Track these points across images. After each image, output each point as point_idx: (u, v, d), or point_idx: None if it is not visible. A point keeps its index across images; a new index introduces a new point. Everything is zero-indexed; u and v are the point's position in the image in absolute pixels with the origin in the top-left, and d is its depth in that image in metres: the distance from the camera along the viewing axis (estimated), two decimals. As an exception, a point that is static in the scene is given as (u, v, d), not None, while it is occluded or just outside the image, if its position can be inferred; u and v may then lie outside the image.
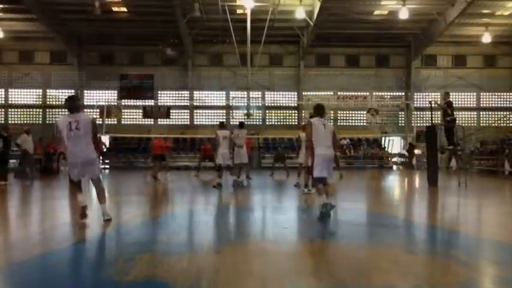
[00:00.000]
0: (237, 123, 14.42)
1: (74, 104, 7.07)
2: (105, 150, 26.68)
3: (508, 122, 32.57)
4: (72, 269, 4.65)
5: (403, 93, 32.70)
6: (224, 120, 19.22)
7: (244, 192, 12.36)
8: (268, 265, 4.59)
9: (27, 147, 16.51)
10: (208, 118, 32.20)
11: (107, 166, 27.93)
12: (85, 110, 30.11)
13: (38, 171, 18.68)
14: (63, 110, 31.82)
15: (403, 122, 31.27)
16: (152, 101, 32.27)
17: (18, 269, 4.41)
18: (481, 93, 32.81)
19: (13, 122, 30.27)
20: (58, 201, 10.59)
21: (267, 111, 32.08)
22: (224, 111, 32.35)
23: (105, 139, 26.37)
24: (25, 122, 30.36)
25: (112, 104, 31.31)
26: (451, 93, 15.15)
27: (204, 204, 10.21)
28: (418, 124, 27.33)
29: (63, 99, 7.16)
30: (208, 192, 12.41)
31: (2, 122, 30.68)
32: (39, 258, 4.82)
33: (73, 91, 31.50)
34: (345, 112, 32.99)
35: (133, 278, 4.00)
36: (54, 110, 32.36)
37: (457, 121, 14.52)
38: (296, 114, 32.78)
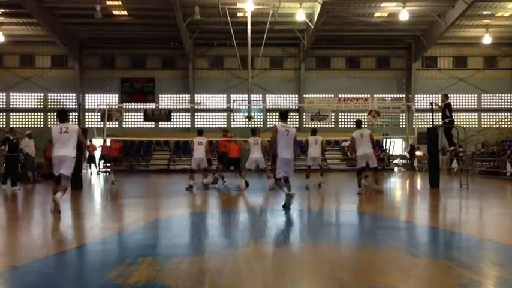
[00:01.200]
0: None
1: (64, 116, 8.73)
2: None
3: (509, 123, 32.55)
4: (75, 272, 4.64)
5: (404, 95, 32.70)
6: (202, 127, 19.89)
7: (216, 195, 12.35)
8: (270, 267, 4.59)
9: (29, 152, 16.51)
10: (209, 121, 32.22)
11: (108, 170, 27.90)
12: (86, 114, 30.22)
13: (40, 175, 18.66)
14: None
15: (404, 123, 31.25)
16: (153, 104, 32.30)
17: (21, 272, 4.41)
18: (482, 95, 32.79)
19: (14, 126, 30.26)
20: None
21: (268, 114, 32.08)
22: (225, 114, 32.39)
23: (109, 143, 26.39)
24: (26, 126, 30.41)
25: (113, 107, 31.35)
26: (451, 95, 15.23)
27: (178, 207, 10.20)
28: (419, 126, 27.30)
29: (57, 111, 9.18)
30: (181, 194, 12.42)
31: (4, 126, 30.74)
32: (41, 262, 4.82)
33: (74, 94, 31.59)
34: (345, 114, 32.99)
35: (135, 281, 4.00)
36: (55, 113, 32.33)
37: (455, 123, 14.58)
38: (297, 117, 32.76)
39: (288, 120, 9.17)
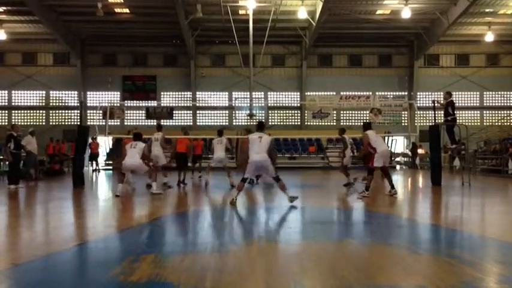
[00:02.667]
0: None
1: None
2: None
3: (511, 121, 32.47)
4: (77, 269, 4.66)
5: (406, 93, 32.66)
6: (161, 122, 20.12)
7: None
8: (271, 265, 4.59)
9: (31, 149, 16.46)
10: (211, 119, 32.24)
11: (110, 167, 27.97)
12: (88, 112, 30.26)
13: (42, 172, 18.70)
14: (66, 111, 32.01)
15: (406, 121, 31.22)
16: (155, 101, 32.31)
17: (23, 270, 4.42)
18: (484, 93, 32.74)
19: (16, 123, 30.28)
20: (62, 202, 10.61)
21: (270, 112, 32.07)
22: (227, 111, 32.40)
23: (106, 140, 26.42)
24: (29, 123, 30.46)
25: (115, 105, 31.38)
26: (454, 93, 15.18)
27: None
28: (421, 124, 27.31)
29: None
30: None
31: (6, 123, 30.80)
32: (44, 259, 4.84)
33: (76, 92, 31.63)
34: (347, 112, 32.98)
35: (137, 278, 4.01)
36: (57, 111, 32.46)
37: (457, 121, 14.54)
38: (299, 115, 32.76)
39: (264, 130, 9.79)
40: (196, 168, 17.03)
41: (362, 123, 13.42)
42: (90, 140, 25.07)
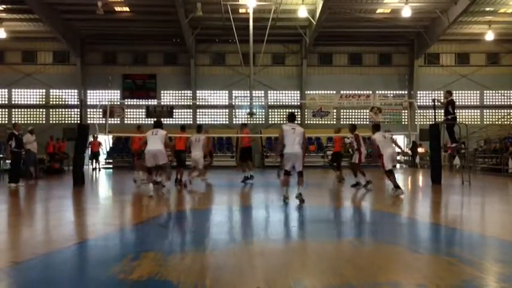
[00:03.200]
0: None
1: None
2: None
3: (511, 120, 32.46)
4: (77, 267, 4.66)
5: (406, 92, 32.64)
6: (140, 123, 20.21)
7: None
8: (271, 264, 4.60)
9: (31, 147, 16.48)
10: (211, 117, 32.23)
11: (110, 166, 28.01)
12: (88, 110, 30.26)
13: (42, 171, 18.71)
14: (66, 109, 32.05)
15: (406, 120, 31.21)
16: (155, 100, 32.29)
17: (23, 268, 4.42)
18: (485, 91, 32.70)
19: (16, 122, 30.26)
20: (62, 200, 10.62)
21: (270, 111, 32.05)
22: (227, 110, 32.39)
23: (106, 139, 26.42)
24: (28, 122, 30.45)
25: (115, 103, 31.37)
26: (454, 92, 15.18)
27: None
28: (422, 123, 27.30)
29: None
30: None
31: (6, 122, 30.80)
32: (44, 257, 4.84)
33: (76, 91, 31.62)
34: (347, 111, 32.95)
35: (137, 276, 4.01)
36: (57, 109, 32.45)
37: (457, 120, 14.56)
38: (299, 113, 32.75)
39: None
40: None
41: (371, 125, 13.47)
42: (91, 139, 25.23)
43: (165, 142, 11.00)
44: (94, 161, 25.50)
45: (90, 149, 26.26)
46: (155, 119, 12.49)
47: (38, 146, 17.09)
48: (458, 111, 14.23)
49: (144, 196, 10.67)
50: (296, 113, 32.29)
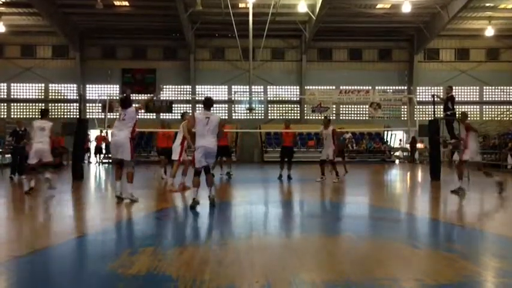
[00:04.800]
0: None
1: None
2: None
3: (510, 116, 32.48)
4: (76, 262, 4.66)
5: (406, 87, 32.61)
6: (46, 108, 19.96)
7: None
8: (270, 258, 4.60)
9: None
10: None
11: (110, 161, 27.94)
12: (87, 105, 30.23)
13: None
14: (65, 104, 31.91)
15: (405, 116, 31.20)
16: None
17: (23, 262, 4.42)
18: (484, 87, 32.68)
19: (15, 116, 30.26)
20: (61, 195, 10.61)
21: (269, 106, 32.01)
22: (226, 105, 32.35)
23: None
24: (27, 116, 30.41)
25: (114, 98, 31.30)
26: (454, 87, 15.13)
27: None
28: (421, 118, 27.29)
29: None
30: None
31: (5, 116, 30.75)
32: (43, 252, 4.84)
33: (75, 85, 31.56)
34: (347, 106, 32.94)
35: (136, 271, 4.02)
36: (56, 104, 32.39)
37: (457, 115, 14.52)
38: (298, 109, 32.73)
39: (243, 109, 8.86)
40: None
41: (461, 113, 11.79)
42: (97, 133, 25.34)
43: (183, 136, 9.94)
44: (98, 155, 25.80)
45: (95, 143, 26.49)
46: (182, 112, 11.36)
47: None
48: (457, 107, 14.19)
49: (142, 190, 10.65)
50: (295, 108, 32.57)
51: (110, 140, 9.83)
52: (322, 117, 28.78)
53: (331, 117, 19.12)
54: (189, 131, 8.18)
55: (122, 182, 8.62)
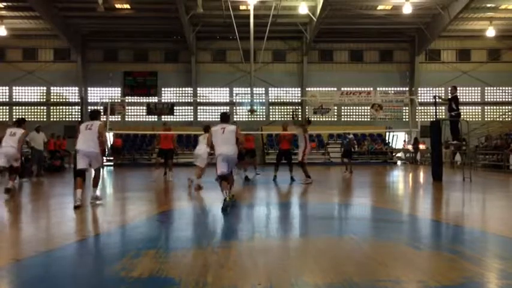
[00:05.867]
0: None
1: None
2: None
3: (512, 116, 32.46)
4: (78, 265, 4.67)
5: (407, 89, 32.60)
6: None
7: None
8: (273, 261, 4.60)
9: (35, 145, 16.59)
10: (211, 114, 32.21)
11: (111, 163, 28.00)
12: (89, 108, 30.29)
13: (45, 168, 18.73)
14: (66, 107, 32.03)
15: (407, 117, 31.17)
16: (156, 97, 32.30)
17: (25, 265, 4.43)
18: (486, 88, 32.66)
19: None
20: (64, 198, 10.62)
21: (271, 108, 32.01)
22: (228, 107, 32.36)
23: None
24: (29, 119, 30.45)
25: (116, 101, 31.38)
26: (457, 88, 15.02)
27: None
28: (423, 119, 27.26)
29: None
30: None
31: (7, 119, 30.79)
32: (45, 255, 4.85)
33: (77, 88, 31.62)
34: (348, 108, 32.95)
35: (139, 273, 4.02)
36: (58, 107, 32.46)
37: (461, 116, 14.45)
38: (300, 110, 32.73)
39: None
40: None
41: None
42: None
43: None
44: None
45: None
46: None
47: (44, 143, 17.13)
48: (460, 107, 14.10)
49: (144, 193, 10.67)
50: (297, 109, 32.55)
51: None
52: (326, 119, 28.79)
53: (311, 118, 19.06)
54: (211, 146, 8.64)
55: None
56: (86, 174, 9.03)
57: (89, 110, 10.49)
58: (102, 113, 10.58)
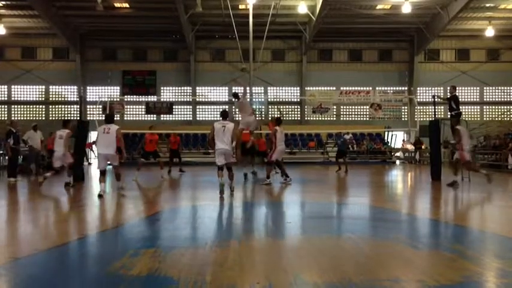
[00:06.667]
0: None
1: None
2: None
3: (511, 116, 32.45)
4: (77, 263, 4.66)
5: (406, 88, 32.60)
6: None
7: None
8: (272, 260, 4.60)
9: (33, 144, 16.57)
10: (210, 114, 32.21)
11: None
12: (88, 107, 30.28)
13: (42, 168, 18.70)
14: (65, 106, 31.93)
15: (406, 116, 31.19)
16: (155, 97, 32.28)
17: (23, 264, 4.43)
18: (484, 88, 32.67)
19: (16, 118, 30.26)
20: (61, 196, 10.62)
21: (270, 107, 32.01)
22: (227, 106, 32.34)
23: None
24: (28, 118, 30.49)
25: (115, 100, 31.34)
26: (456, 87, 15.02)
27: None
28: (421, 119, 27.27)
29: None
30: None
31: (5, 118, 30.76)
32: (44, 253, 4.84)
33: (75, 87, 31.59)
34: (347, 107, 32.96)
35: (137, 272, 4.02)
36: (57, 106, 32.42)
37: (462, 115, 14.44)
38: (299, 110, 32.74)
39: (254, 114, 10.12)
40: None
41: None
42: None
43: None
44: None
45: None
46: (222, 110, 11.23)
47: (41, 142, 17.10)
48: (460, 107, 14.09)
49: (142, 193, 10.67)
50: (296, 109, 32.57)
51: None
52: (324, 119, 28.80)
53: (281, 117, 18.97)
54: (211, 141, 10.13)
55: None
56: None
57: (104, 114, 12.00)
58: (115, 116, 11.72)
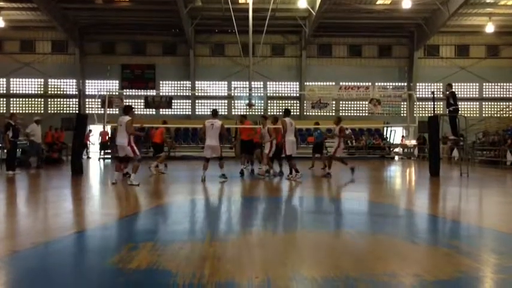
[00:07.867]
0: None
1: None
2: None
3: (510, 112, 32.48)
4: (76, 257, 4.67)
5: (406, 84, 32.60)
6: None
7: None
8: (270, 254, 4.61)
9: (34, 138, 16.63)
10: (209, 108, 32.16)
11: (109, 156, 27.97)
12: (87, 100, 30.24)
13: (43, 160, 18.74)
14: (64, 99, 31.89)
15: (405, 112, 31.20)
16: (154, 91, 32.24)
17: (22, 257, 4.43)
18: (484, 84, 32.69)
19: (15, 111, 30.22)
20: (61, 190, 10.63)
21: (269, 102, 31.97)
22: (226, 101, 32.34)
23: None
24: (27, 111, 30.47)
25: (113, 94, 31.29)
26: (453, 84, 15.15)
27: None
28: (421, 115, 27.28)
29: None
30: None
31: (4, 111, 30.73)
32: (43, 246, 4.85)
33: (74, 80, 31.54)
34: (347, 102, 32.95)
35: (136, 265, 4.03)
36: (55, 99, 32.38)
37: (459, 111, 14.52)
38: (298, 105, 32.72)
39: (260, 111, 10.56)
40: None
41: None
42: (101, 129, 25.38)
43: (220, 134, 11.81)
44: (102, 151, 26.18)
45: (100, 139, 26.59)
46: (213, 109, 12.62)
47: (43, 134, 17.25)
48: (458, 103, 14.16)
49: (143, 186, 10.68)
50: (295, 104, 32.52)
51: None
52: (325, 114, 28.82)
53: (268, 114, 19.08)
54: (202, 134, 11.99)
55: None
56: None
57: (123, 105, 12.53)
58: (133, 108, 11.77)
